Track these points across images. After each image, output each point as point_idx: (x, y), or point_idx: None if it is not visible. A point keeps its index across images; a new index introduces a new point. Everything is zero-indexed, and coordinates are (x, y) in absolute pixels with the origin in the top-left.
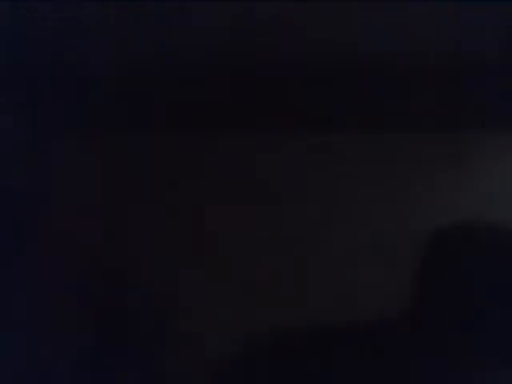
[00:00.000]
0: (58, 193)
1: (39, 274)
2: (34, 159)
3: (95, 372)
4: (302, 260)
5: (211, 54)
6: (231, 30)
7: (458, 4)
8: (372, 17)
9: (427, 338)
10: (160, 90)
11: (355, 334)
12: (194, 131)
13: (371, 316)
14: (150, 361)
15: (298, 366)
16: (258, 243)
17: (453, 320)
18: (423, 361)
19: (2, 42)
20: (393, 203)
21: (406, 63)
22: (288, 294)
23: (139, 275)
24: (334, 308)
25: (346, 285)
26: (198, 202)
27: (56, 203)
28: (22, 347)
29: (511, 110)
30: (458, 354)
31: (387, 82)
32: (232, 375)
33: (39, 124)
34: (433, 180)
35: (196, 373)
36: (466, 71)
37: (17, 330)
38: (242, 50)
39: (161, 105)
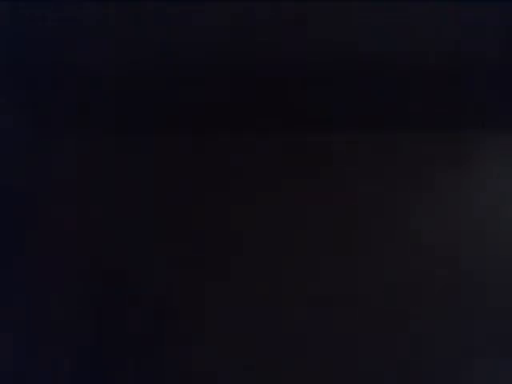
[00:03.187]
0: (58, 193)
1: (39, 273)
2: (34, 159)
3: (95, 372)
4: (302, 258)
5: (211, 53)
6: (231, 30)
7: (458, 4)
8: (372, 17)
9: None
10: (160, 89)
11: None
12: (194, 131)
13: None
14: (150, 361)
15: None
16: (258, 243)
17: None
18: None
19: (2, 42)
20: (393, 203)
21: (406, 63)
22: (288, 294)
23: (139, 275)
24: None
25: (348, 275)
26: (198, 202)
27: (56, 203)
28: (22, 347)
29: (511, 110)
30: None
31: (387, 82)
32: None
33: (39, 124)
34: (433, 180)
35: (196, 373)
36: (466, 71)
37: (17, 330)
38: (241, 50)
39: (161, 105)
